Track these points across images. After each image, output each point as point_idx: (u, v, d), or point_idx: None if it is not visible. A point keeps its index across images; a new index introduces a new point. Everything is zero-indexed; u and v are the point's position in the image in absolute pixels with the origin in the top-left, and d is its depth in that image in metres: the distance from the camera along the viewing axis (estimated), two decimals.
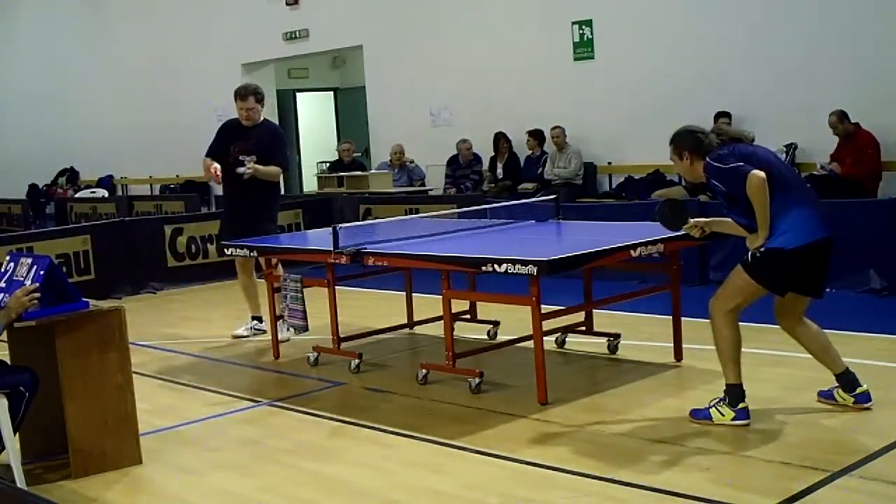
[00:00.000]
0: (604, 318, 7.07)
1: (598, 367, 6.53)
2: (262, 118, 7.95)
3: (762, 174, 4.72)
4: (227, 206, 8.28)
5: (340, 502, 4.48)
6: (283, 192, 16.22)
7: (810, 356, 5.22)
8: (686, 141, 5.04)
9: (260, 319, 8.06)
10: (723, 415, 4.97)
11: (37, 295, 4.59)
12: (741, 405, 4.96)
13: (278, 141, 7.99)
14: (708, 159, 4.92)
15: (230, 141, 7.87)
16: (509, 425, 5.32)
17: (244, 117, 7.83)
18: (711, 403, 5.05)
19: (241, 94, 7.84)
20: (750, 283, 4.90)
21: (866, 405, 5.08)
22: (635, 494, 4.25)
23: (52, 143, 21.53)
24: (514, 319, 7.01)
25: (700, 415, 5.05)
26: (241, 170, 7.66)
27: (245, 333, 8.04)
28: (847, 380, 5.10)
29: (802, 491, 4.11)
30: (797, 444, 4.75)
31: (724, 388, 5.03)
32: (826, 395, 5.22)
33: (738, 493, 4.17)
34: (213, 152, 7.92)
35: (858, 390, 5.09)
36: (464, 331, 7.27)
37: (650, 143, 12.05)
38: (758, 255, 4.86)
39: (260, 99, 7.87)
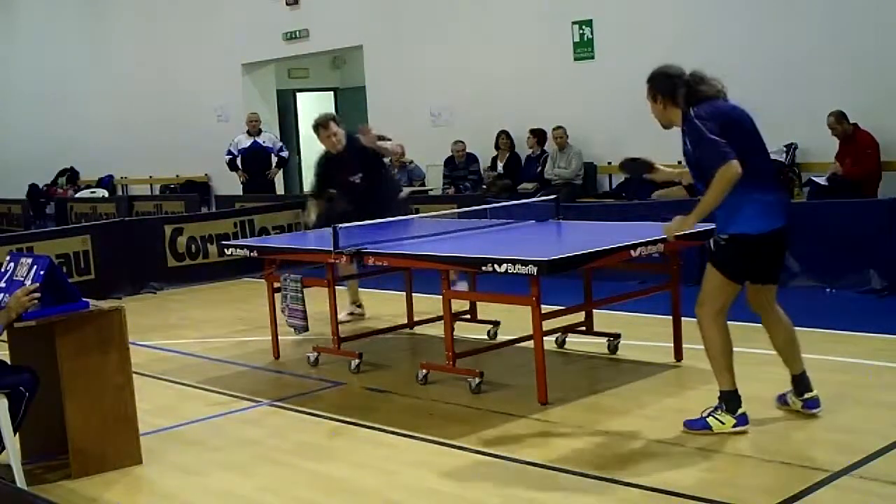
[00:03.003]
0: (604, 318, 7.07)
1: (598, 367, 6.53)
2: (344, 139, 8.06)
3: (738, 169, 4.56)
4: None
5: (340, 502, 4.49)
6: (283, 191, 16.35)
7: (809, 356, 5.21)
8: (662, 84, 4.95)
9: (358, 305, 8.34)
10: (722, 423, 4.84)
11: (37, 295, 4.59)
12: (740, 411, 4.85)
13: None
14: (691, 114, 4.75)
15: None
16: (509, 425, 5.32)
17: (331, 145, 8.01)
18: (707, 412, 4.90)
19: (322, 123, 8.03)
20: (723, 278, 4.80)
21: (814, 411, 5.00)
22: (635, 494, 4.25)
23: (52, 143, 21.52)
24: (514, 319, 7.01)
25: (697, 425, 4.90)
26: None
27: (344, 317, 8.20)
28: (800, 382, 5.02)
29: (802, 491, 4.11)
30: (797, 444, 4.76)
31: (719, 395, 4.89)
32: (782, 401, 5.14)
33: (738, 493, 4.17)
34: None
35: (807, 395, 5.01)
36: (464, 331, 7.27)
37: (650, 143, 12.04)
38: (721, 241, 4.78)
39: (338, 122, 8.12)
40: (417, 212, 10.99)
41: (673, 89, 4.89)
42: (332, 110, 19.65)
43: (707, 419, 4.87)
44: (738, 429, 4.83)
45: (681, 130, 4.88)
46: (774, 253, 4.88)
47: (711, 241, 4.84)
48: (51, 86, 21.65)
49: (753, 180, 4.67)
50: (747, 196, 4.68)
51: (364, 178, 7.95)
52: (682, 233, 5.25)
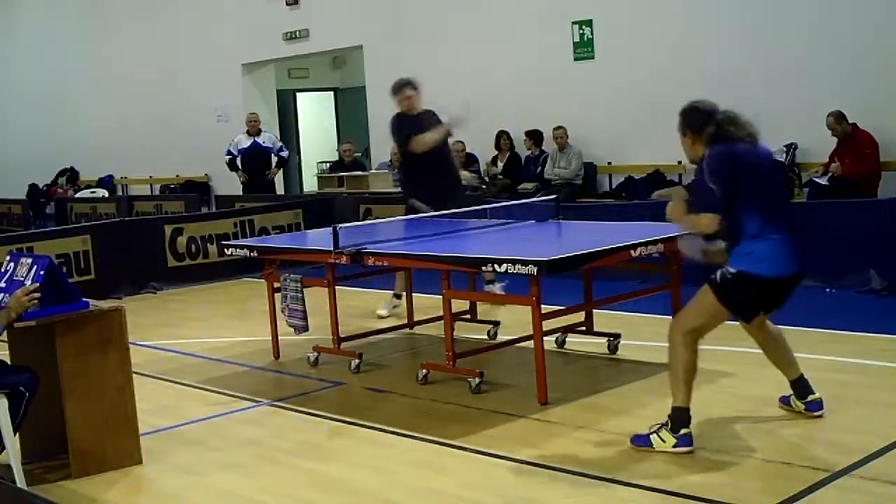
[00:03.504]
0: (604, 318, 7.07)
1: (598, 367, 6.53)
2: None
3: (714, 225, 4.60)
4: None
5: (340, 502, 4.49)
6: (283, 191, 16.36)
7: (809, 356, 5.21)
8: (691, 119, 4.83)
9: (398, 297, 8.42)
10: (663, 441, 4.70)
11: (37, 295, 4.59)
12: (684, 431, 4.70)
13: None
14: (708, 153, 4.69)
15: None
16: (509, 425, 5.32)
17: (407, 107, 8.53)
18: (653, 429, 4.78)
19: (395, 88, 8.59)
20: (716, 304, 4.68)
21: (817, 413, 4.98)
22: (635, 494, 4.25)
23: (52, 143, 21.52)
24: (514, 319, 7.00)
25: (640, 441, 4.78)
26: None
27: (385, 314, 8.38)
28: (800, 386, 5.01)
29: (802, 491, 4.11)
30: (797, 444, 4.76)
31: (671, 411, 4.74)
32: (785, 402, 5.15)
33: (738, 493, 4.17)
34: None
35: (810, 398, 4.99)
36: (464, 331, 7.27)
37: (650, 143, 12.08)
38: (729, 275, 4.64)
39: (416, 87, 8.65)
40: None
41: (701, 126, 4.76)
42: (333, 110, 19.72)
43: (650, 436, 4.76)
44: (678, 449, 4.67)
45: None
46: (785, 294, 4.77)
47: (719, 273, 4.67)
48: (51, 86, 21.65)
49: (768, 215, 4.62)
50: (761, 231, 4.60)
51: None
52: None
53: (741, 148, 4.70)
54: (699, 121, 4.78)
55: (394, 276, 8.19)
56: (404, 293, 7.96)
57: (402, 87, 8.52)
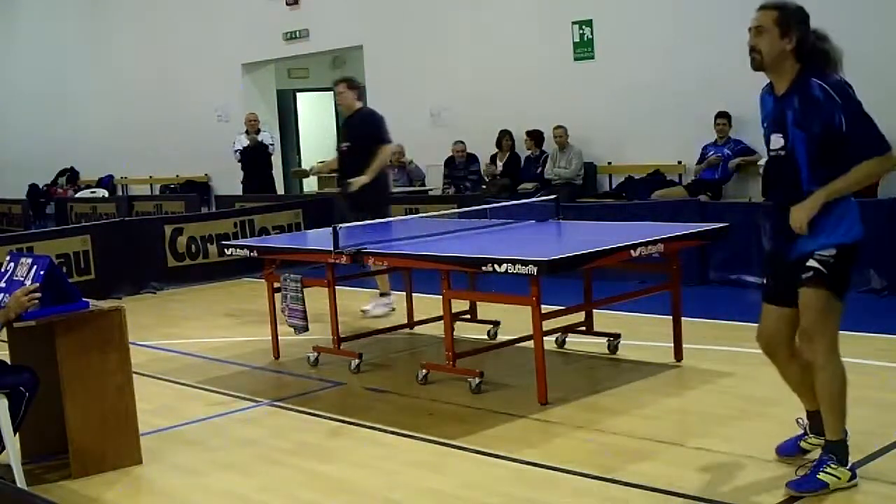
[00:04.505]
0: (604, 318, 7.07)
1: (598, 367, 6.53)
2: (358, 105, 8.60)
3: (888, 165, 3.91)
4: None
5: (340, 502, 4.49)
6: (283, 191, 16.36)
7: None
8: (799, 16, 4.06)
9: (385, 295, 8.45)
10: (839, 478, 4.03)
11: (37, 295, 4.59)
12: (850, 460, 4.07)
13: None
14: (837, 77, 3.97)
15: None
16: (509, 425, 5.32)
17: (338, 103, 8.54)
18: (819, 468, 4.06)
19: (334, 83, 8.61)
20: (833, 300, 3.98)
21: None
22: (635, 494, 4.25)
23: (52, 143, 21.52)
24: (514, 319, 7.01)
25: (809, 485, 4.05)
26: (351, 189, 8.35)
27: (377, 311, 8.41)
28: (820, 420, 4.25)
29: (803, 491, 4.10)
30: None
31: (827, 446, 4.09)
32: (787, 451, 4.45)
33: (738, 493, 4.17)
34: None
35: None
36: (464, 331, 7.27)
37: (650, 143, 12.08)
38: (831, 260, 3.94)
39: (352, 86, 8.54)
40: (417, 212, 11.01)
41: (805, 35, 4.02)
42: (333, 110, 19.71)
43: (819, 476, 4.06)
44: (852, 483, 4.07)
45: (792, 89, 4.06)
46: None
47: (817, 264, 3.94)
48: (51, 86, 21.65)
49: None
50: (849, 198, 4.02)
51: (350, 149, 8.34)
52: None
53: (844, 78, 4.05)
54: (806, 27, 4.08)
55: (395, 277, 8.18)
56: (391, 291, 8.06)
57: (335, 84, 8.60)
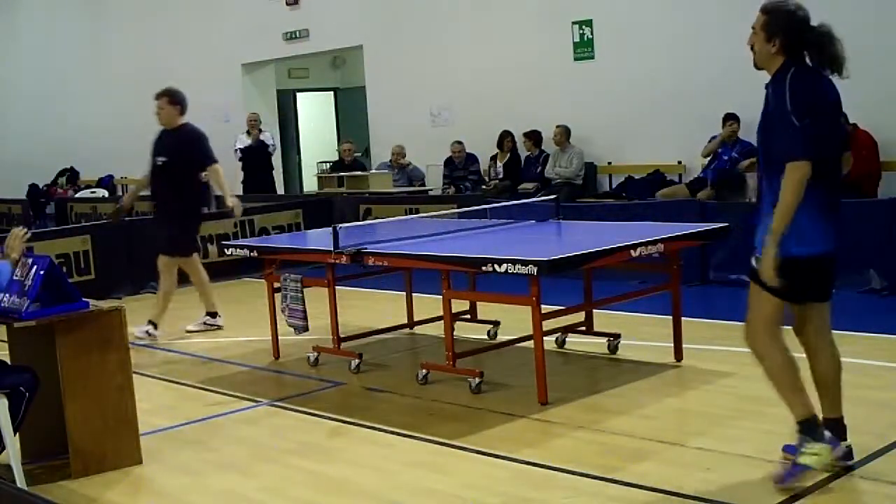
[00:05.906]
0: (604, 318, 7.07)
1: (598, 367, 6.53)
2: (181, 121, 8.33)
3: (806, 171, 3.88)
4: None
5: (340, 502, 4.49)
6: (283, 191, 16.35)
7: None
8: (784, 22, 4.12)
9: (214, 315, 8.46)
10: (817, 454, 4.05)
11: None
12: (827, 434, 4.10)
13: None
14: (790, 76, 4.01)
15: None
16: (509, 425, 5.32)
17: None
18: (800, 450, 4.11)
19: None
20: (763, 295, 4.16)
21: (849, 462, 4.31)
22: (635, 494, 4.25)
23: (52, 143, 21.50)
24: (514, 319, 7.00)
25: (793, 471, 4.13)
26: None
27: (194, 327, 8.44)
28: (838, 429, 4.26)
29: (803, 491, 4.11)
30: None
31: (797, 427, 4.14)
32: (793, 451, 4.28)
33: (738, 493, 4.17)
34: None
35: (843, 444, 4.26)
36: (464, 331, 7.27)
37: (650, 143, 12.08)
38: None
39: (174, 101, 8.26)
40: (417, 212, 11.01)
41: (793, 38, 4.12)
42: (333, 110, 19.72)
43: (798, 461, 4.10)
44: (837, 451, 4.12)
45: (769, 84, 4.16)
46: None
47: (753, 259, 4.14)
48: (51, 86, 21.64)
49: (827, 190, 4.06)
50: (820, 206, 4.04)
51: (167, 164, 8.25)
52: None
53: (826, 83, 4.16)
54: (795, 31, 4.16)
55: (395, 277, 8.16)
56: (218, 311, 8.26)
57: (156, 97, 8.35)
